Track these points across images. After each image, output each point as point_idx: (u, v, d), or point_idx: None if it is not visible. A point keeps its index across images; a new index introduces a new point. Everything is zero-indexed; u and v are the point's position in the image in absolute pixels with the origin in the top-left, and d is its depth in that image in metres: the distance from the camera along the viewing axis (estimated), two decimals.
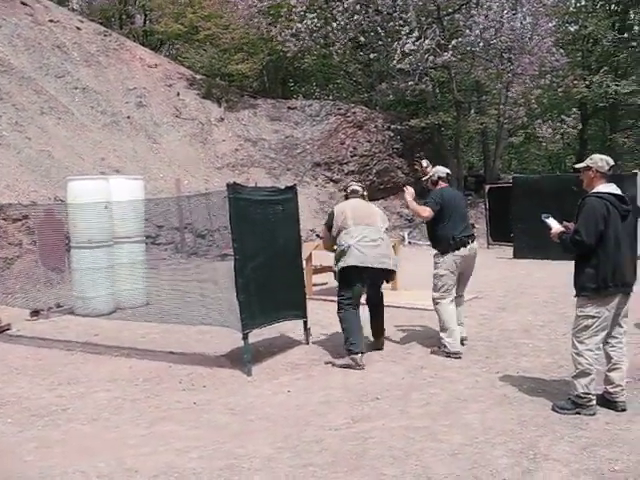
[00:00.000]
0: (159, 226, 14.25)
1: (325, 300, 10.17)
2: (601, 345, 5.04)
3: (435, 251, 6.97)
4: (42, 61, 19.15)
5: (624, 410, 4.98)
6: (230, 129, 22.37)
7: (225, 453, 4.40)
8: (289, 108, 23.88)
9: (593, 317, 4.91)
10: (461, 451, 4.30)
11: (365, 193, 7.36)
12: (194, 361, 6.82)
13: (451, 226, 6.80)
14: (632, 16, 27.36)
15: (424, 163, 7.61)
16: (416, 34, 19.16)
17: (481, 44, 19.37)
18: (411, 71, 19.82)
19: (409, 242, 19.63)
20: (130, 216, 9.29)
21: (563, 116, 21.95)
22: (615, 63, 25.66)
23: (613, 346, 5.12)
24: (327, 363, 6.67)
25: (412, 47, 18.94)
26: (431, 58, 19.26)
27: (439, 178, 7.12)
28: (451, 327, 6.80)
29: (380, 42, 21.17)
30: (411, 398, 5.45)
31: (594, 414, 4.91)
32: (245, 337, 6.28)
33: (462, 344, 7.00)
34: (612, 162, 5.18)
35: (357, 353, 6.43)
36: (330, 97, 26.88)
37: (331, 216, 6.98)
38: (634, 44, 25.89)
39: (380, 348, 7.13)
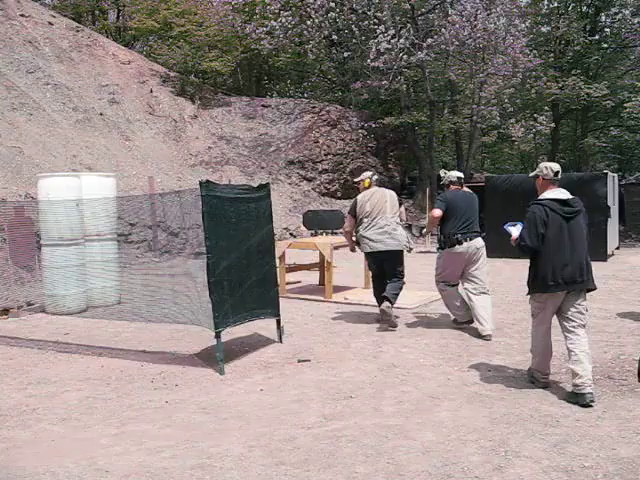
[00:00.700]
0: (132, 224, 14.15)
1: (299, 298, 10.19)
2: (546, 336, 5.62)
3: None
4: (13, 56, 18.93)
5: (591, 403, 5.10)
6: (204, 127, 22.29)
7: (197, 452, 4.38)
8: (263, 106, 23.87)
9: (535, 313, 5.63)
10: (433, 449, 4.32)
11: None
12: (166, 360, 6.78)
13: (450, 225, 7.60)
14: (603, 18, 27.69)
15: (442, 173, 8.39)
16: (391, 32, 19.21)
17: (455, 44, 19.49)
18: (385, 70, 19.89)
19: None
20: (102, 214, 9.21)
21: (536, 115, 22.15)
22: (587, 65, 25.96)
23: (571, 341, 5.39)
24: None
25: (387, 46, 19.00)
26: (405, 57, 19.33)
27: (450, 182, 7.95)
28: (451, 307, 8.04)
29: (354, 40, 21.22)
30: (384, 396, 5.46)
31: (544, 388, 5.57)
32: (218, 336, 6.26)
33: (482, 336, 7.48)
34: (557, 168, 5.63)
35: (380, 304, 8.04)
36: (304, 95, 26.91)
37: (355, 204, 8.24)
38: (605, 46, 26.21)
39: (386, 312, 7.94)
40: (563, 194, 5.53)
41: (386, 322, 7.98)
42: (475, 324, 7.69)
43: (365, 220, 8.11)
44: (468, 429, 4.65)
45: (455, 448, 4.32)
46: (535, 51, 21.99)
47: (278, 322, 7.38)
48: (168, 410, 5.26)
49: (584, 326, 5.45)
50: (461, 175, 8.10)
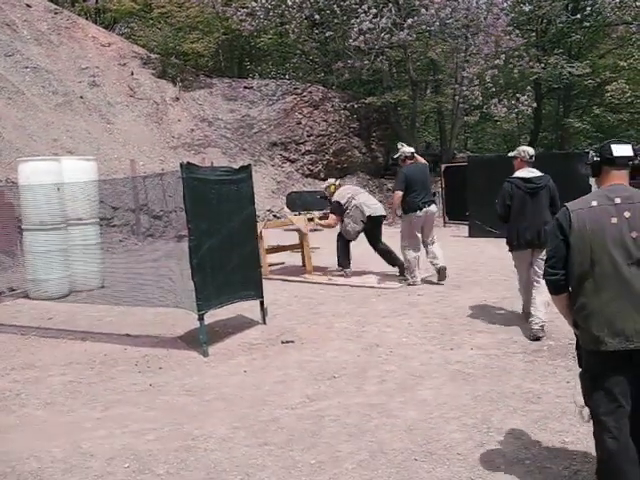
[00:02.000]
0: (114, 207, 14.07)
1: (283, 280, 10.20)
2: (527, 281, 6.91)
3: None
4: None
5: (537, 339, 6.39)
6: (185, 109, 22.16)
7: (181, 434, 4.39)
8: (245, 88, 23.74)
9: (515, 265, 7.08)
10: (416, 427, 4.36)
11: None
12: (150, 343, 6.78)
13: (413, 195, 9.08)
14: None
15: (399, 145, 9.75)
16: (373, 12, 19.10)
17: (437, 23, 19.41)
18: (367, 50, 19.80)
19: None
20: (83, 198, 9.17)
21: (518, 95, 22.14)
22: (569, 44, 25.94)
23: (535, 289, 6.72)
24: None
25: (369, 25, 18.90)
26: (387, 37, 19.24)
27: (406, 157, 9.38)
28: (413, 267, 9.27)
29: (336, 20, 21.10)
30: (367, 375, 5.50)
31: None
32: (201, 318, 6.26)
33: (440, 272, 9.34)
34: (533, 152, 7.06)
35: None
36: (286, 77, 26.75)
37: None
38: (587, 25, 26.18)
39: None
40: (531, 173, 6.84)
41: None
42: (433, 270, 9.48)
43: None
44: (451, 407, 4.69)
45: (438, 426, 4.36)
46: (517, 30, 21.96)
47: (261, 304, 7.38)
48: (152, 393, 5.27)
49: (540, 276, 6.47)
50: (413, 150, 9.62)
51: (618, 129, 29.37)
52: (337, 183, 10.59)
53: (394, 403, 4.81)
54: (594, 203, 3.26)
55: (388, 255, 9.92)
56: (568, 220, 3.30)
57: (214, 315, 6.87)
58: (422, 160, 9.73)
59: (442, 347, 6.29)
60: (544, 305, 6.42)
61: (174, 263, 7.77)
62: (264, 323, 7.38)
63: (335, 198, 10.08)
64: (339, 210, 9.94)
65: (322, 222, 10.64)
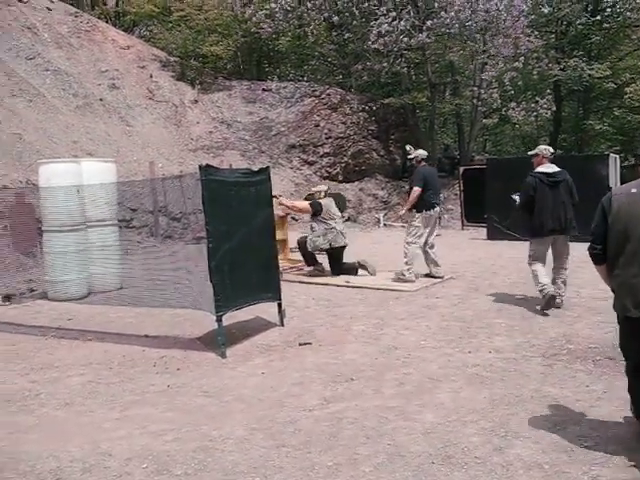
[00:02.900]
0: (133, 209, 14.15)
1: (300, 282, 10.21)
2: (543, 269, 7.75)
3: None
4: (12, 42, 18.87)
5: (559, 307, 7.74)
6: (204, 111, 22.23)
7: (199, 435, 4.40)
8: (263, 90, 23.78)
9: (533, 251, 7.84)
10: (433, 430, 4.34)
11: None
12: (168, 344, 6.81)
13: (428, 194, 9.70)
14: None
15: (407, 147, 10.53)
16: (392, 14, 19.06)
17: (456, 25, 19.34)
18: (386, 52, 19.77)
19: (384, 224, 19.69)
20: (102, 199, 9.22)
21: (537, 98, 22.01)
22: (589, 46, 25.76)
23: (556, 271, 7.91)
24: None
25: (388, 28, 18.87)
26: (406, 39, 19.20)
27: (422, 159, 10.00)
28: (412, 263, 9.72)
29: (355, 22, 21.08)
30: (384, 378, 5.48)
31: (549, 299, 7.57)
32: (219, 320, 6.28)
33: (434, 276, 10.05)
34: (551, 150, 8.04)
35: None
36: (305, 79, 26.77)
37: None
38: (607, 27, 25.99)
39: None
40: (551, 169, 7.80)
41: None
42: (430, 269, 10.12)
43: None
44: (468, 410, 4.67)
45: (456, 429, 4.34)
46: (536, 32, 21.83)
47: (279, 305, 7.39)
48: (170, 394, 5.29)
49: (567, 260, 7.92)
50: (426, 153, 10.22)
51: (638, 131, 29.12)
52: (327, 191, 11.21)
53: (412, 406, 4.80)
54: (634, 190, 3.83)
55: (352, 268, 10.56)
56: (609, 203, 3.92)
57: (232, 317, 6.88)
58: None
59: (460, 350, 6.26)
60: (564, 284, 7.94)
61: (192, 265, 7.78)
62: (282, 325, 7.38)
63: (323, 202, 10.58)
64: (317, 209, 10.51)
65: (287, 202, 11.05)
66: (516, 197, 8.12)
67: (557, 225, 7.65)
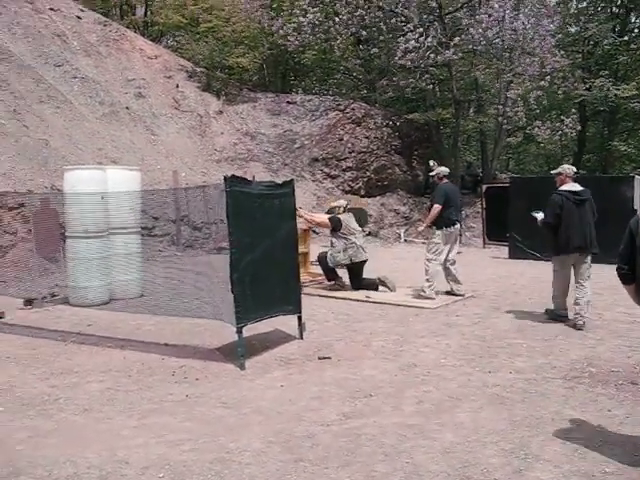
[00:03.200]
0: (155, 218, 14.22)
1: (320, 296, 10.19)
2: (565, 283, 8.08)
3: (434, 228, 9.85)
4: (41, 49, 19.08)
5: (581, 328, 7.77)
6: (229, 122, 22.34)
7: (217, 446, 4.39)
8: (288, 102, 23.85)
9: (557, 270, 8.12)
10: (452, 449, 4.30)
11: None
12: (187, 354, 6.81)
13: (449, 212, 9.75)
14: (633, 19, 27.33)
15: (431, 163, 10.63)
16: (419, 30, 19.08)
17: (483, 42, 19.32)
18: (412, 68, 19.78)
19: (405, 240, 19.63)
20: (126, 207, 9.26)
21: (562, 117, 21.90)
22: (615, 66, 25.64)
23: (578, 291, 7.95)
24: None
25: (415, 44, 18.89)
26: (432, 56, 19.21)
27: (443, 176, 10.06)
28: (432, 280, 9.73)
29: (381, 37, 21.12)
30: (404, 395, 5.45)
31: (564, 321, 8.09)
32: (239, 331, 6.28)
33: (455, 294, 10.04)
34: (575, 169, 8.34)
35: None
36: (329, 92, 26.82)
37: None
38: (634, 47, 25.85)
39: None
40: (575, 187, 8.03)
41: None
42: (451, 286, 10.10)
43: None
44: (488, 431, 4.62)
45: (475, 450, 4.30)
46: (563, 51, 21.75)
47: (299, 319, 7.39)
48: (188, 404, 5.29)
49: (589, 278, 8.02)
50: (448, 170, 10.25)
51: None
52: (346, 206, 11.18)
53: (431, 425, 4.76)
54: None
55: (372, 284, 10.48)
56: (637, 225, 4.22)
57: (252, 328, 6.87)
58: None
59: (480, 370, 6.21)
60: (587, 304, 7.93)
61: (214, 275, 7.80)
62: (301, 338, 7.37)
63: (342, 218, 10.58)
64: (336, 224, 10.51)
65: (307, 215, 11.12)
66: (536, 215, 8.38)
67: (582, 243, 7.87)
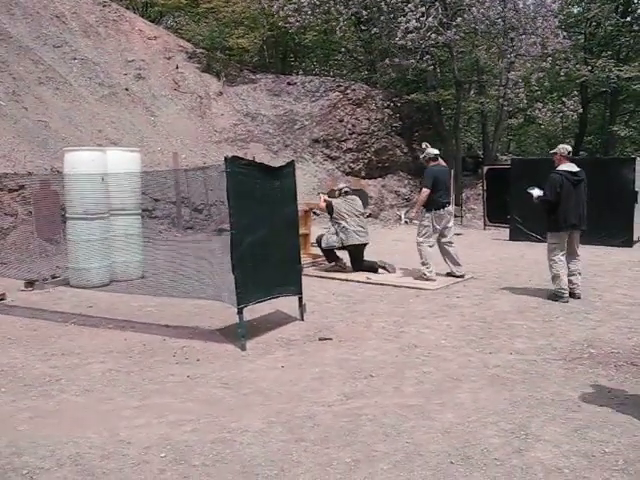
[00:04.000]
0: (156, 199, 14.19)
1: (321, 277, 10.20)
2: (564, 259, 8.45)
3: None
4: (40, 30, 18.97)
5: (579, 297, 8.47)
6: (229, 103, 22.24)
7: (218, 426, 4.41)
8: (289, 84, 23.72)
9: (555, 243, 8.44)
10: (453, 430, 4.32)
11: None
12: (188, 335, 6.83)
13: (438, 194, 9.77)
14: (636, 0, 27.12)
15: (423, 145, 10.50)
16: (421, 10, 18.94)
17: (486, 22, 19.18)
18: (413, 49, 19.65)
19: (405, 221, 19.61)
20: (126, 188, 9.24)
21: (564, 99, 21.81)
22: (617, 47, 25.50)
23: (572, 263, 8.56)
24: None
25: (416, 24, 18.75)
26: (433, 36, 19.08)
27: (430, 158, 10.08)
28: (428, 262, 9.76)
29: (382, 18, 20.97)
30: (404, 376, 5.46)
31: (567, 302, 8.28)
32: (240, 312, 6.29)
33: (455, 275, 10.03)
34: (570, 149, 8.65)
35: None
36: (330, 73, 26.69)
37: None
38: (637, 28, 25.69)
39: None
40: (573, 168, 8.40)
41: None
42: (449, 267, 10.09)
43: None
44: (488, 411, 4.64)
45: (475, 430, 4.31)
46: (564, 33, 21.62)
47: (300, 300, 7.39)
48: (189, 384, 5.31)
49: (578, 249, 8.65)
50: (438, 152, 10.19)
51: None
52: (342, 189, 11.09)
53: (431, 405, 4.78)
54: None
55: (372, 267, 10.44)
56: None
57: (252, 309, 6.88)
58: (444, 163, 10.41)
59: (481, 351, 6.23)
60: (580, 273, 8.65)
61: (215, 256, 7.80)
62: (302, 319, 7.39)
63: (334, 203, 10.63)
64: (330, 210, 10.59)
65: (320, 200, 11.19)
66: (532, 191, 8.64)
67: (577, 221, 8.38)
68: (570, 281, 8.50)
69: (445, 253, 10.12)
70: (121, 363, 5.91)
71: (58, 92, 17.02)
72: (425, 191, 9.80)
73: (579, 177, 8.37)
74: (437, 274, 9.84)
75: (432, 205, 9.76)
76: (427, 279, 9.69)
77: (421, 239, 9.86)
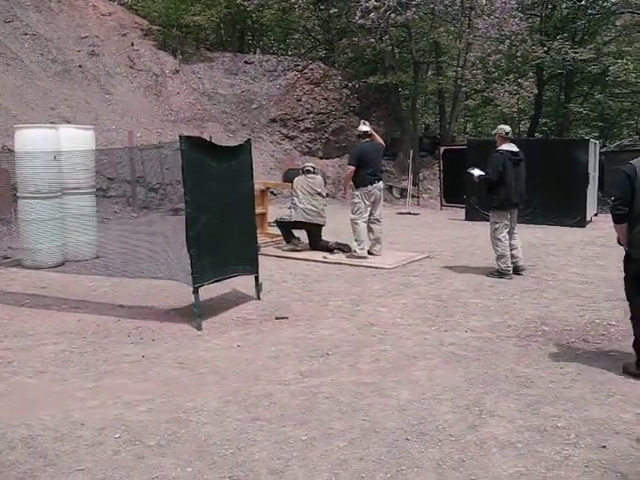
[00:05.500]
0: (110, 178, 13.98)
1: (278, 257, 10.17)
2: (507, 237, 8.66)
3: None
4: None
5: (521, 273, 8.78)
6: (185, 82, 21.97)
7: (173, 406, 4.38)
8: (246, 62, 23.53)
9: (499, 222, 8.63)
10: (408, 407, 4.35)
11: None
12: (143, 315, 6.75)
13: (366, 171, 9.83)
14: None
15: (361, 123, 10.44)
16: None
17: (445, 1, 19.21)
18: (372, 28, 19.60)
19: None
20: (80, 167, 9.07)
21: (520, 80, 22.00)
22: (573, 30, 25.77)
23: (513, 238, 8.80)
24: None
25: (375, 3, 18.68)
26: (392, 16, 19.04)
27: (359, 135, 10.26)
28: (361, 239, 9.87)
29: None
30: (361, 354, 5.49)
31: (511, 279, 8.53)
32: (195, 291, 6.24)
33: (373, 254, 10.07)
34: (509, 129, 8.90)
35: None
36: (288, 53, 26.50)
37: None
38: (591, 12, 26.01)
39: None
40: (513, 148, 8.64)
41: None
42: (371, 245, 10.13)
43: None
44: (444, 388, 4.68)
45: (430, 406, 4.35)
46: (521, 14, 21.75)
47: (256, 279, 7.37)
48: (144, 364, 5.25)
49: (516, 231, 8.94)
50: (368, 128, 10.12)
51: (618, 117, 29.30)
52: (303, 168, 11.12)
53: (387, 382, 4.81)
54: None
55: (327, 247, 10.49)
56: (634, 172, 4.74)
57: (208, 289, 6.83)
58: (379, 139, 10.40)
59: (437, 329, 6.28)
60: (522, 248, 8.96)
61: (170, 236, 7.71)
62: (258, 299, 7.36)
63: (295, 179, 10.84)
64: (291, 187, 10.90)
65: None
66: (473, 172, 8.95)
67: (518, 199, 8.70)
68: (513, 255, 8.75)
69: (369, 230, 10.13)
70: (75, 344, 5.82)
71: (9, 68, 16.62)
72: (348, 168, 10.10)
73: (519, 157, 8.63)
74: (397, 251, 9.90)
75: (361, 182, 9.88)
76: (358, 256, 9.77)
77: (353, 216, 9.96)
